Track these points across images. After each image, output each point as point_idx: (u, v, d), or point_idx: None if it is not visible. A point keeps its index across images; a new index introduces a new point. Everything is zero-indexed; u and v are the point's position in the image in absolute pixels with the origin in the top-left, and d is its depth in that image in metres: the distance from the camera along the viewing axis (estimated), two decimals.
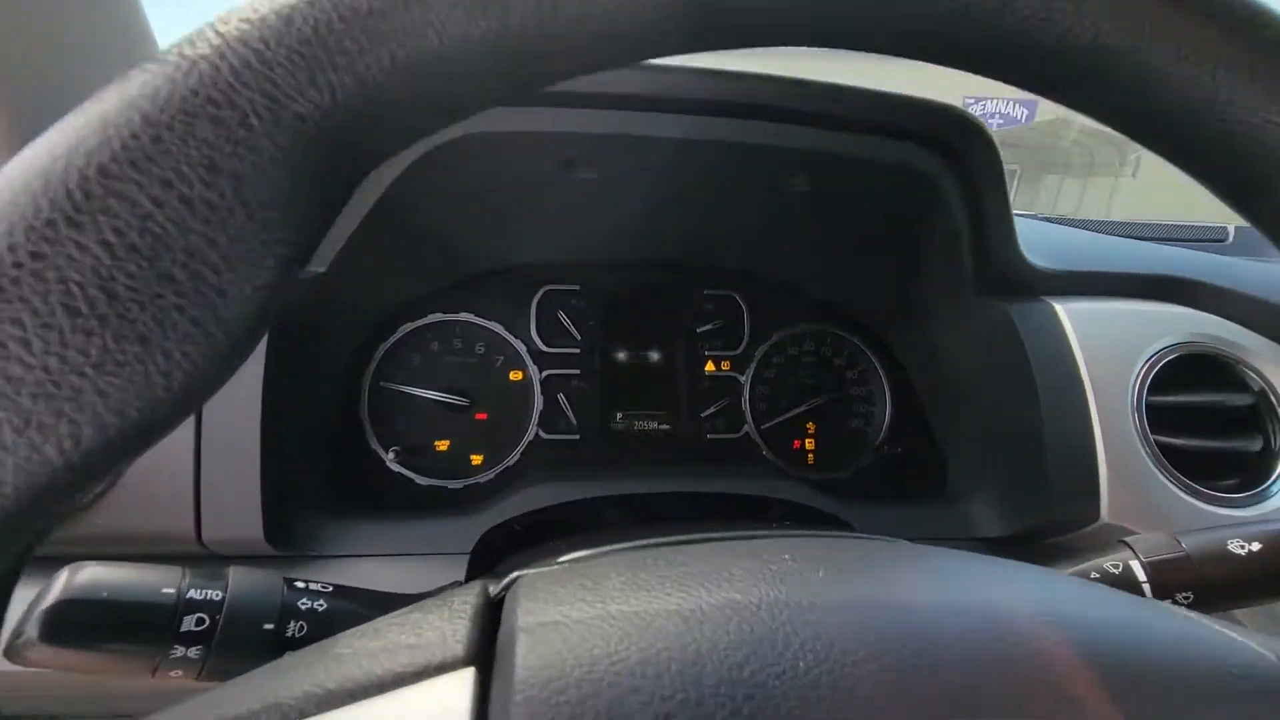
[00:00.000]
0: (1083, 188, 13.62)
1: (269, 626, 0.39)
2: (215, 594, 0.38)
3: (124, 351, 0.22)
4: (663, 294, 0.94)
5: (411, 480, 0.82)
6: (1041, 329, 0.76)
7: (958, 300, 0.81)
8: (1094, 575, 0.53)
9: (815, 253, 0.87)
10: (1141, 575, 0.52)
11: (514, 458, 0.86)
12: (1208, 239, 1.44)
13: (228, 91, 0.21)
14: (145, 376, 0.22)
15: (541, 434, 0.87)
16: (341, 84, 0.23)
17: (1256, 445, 0.78)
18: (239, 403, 0.60)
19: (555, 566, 0.33)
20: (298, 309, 0.65)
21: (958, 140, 0.63)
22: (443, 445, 0.85)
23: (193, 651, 0.37)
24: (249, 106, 0.22)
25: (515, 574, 0.34)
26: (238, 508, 0.59)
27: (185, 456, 0.58)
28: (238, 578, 0.40)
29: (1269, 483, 0.76)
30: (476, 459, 0.85)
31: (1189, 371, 0.78)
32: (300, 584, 0.42)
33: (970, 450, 0.85)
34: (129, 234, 0.21)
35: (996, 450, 0.80)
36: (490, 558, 0.69)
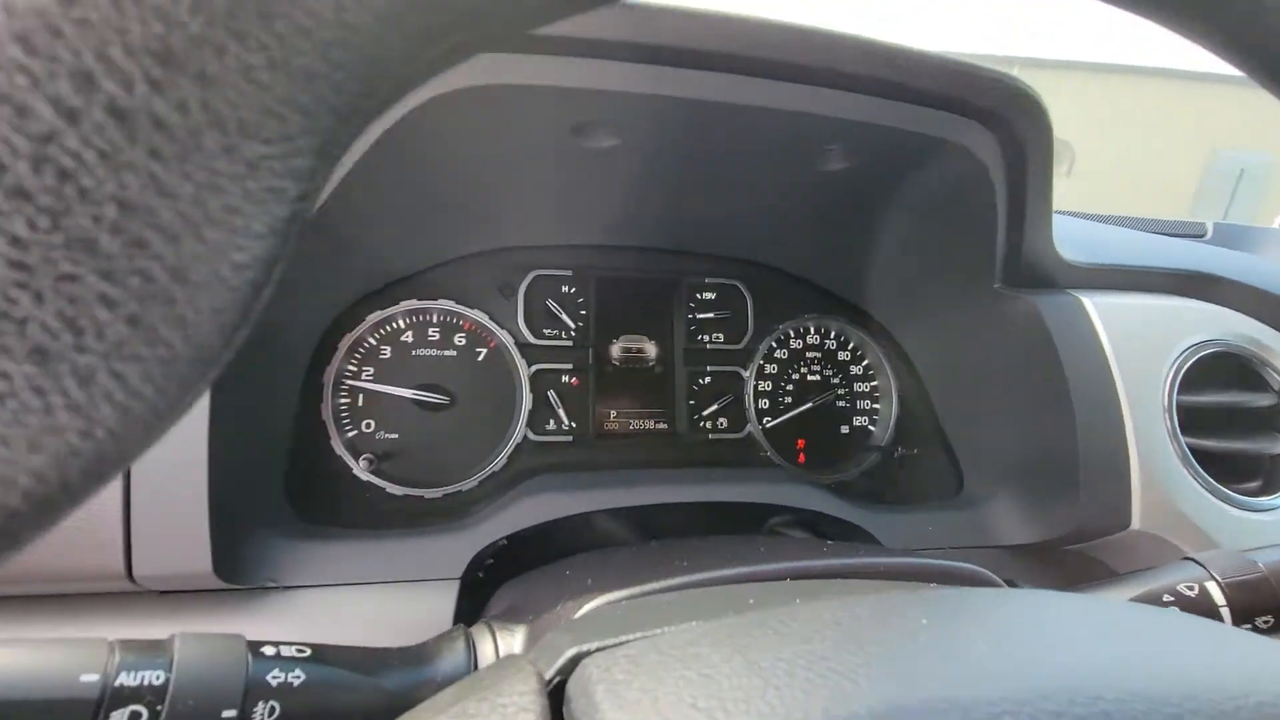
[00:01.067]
0: None
1: (230, 715, 0.29)
2: (156, 676, 0.29)
3: (5, 377, 0.13)
4: (662, 281, 0.86)
5: (383, 490, 0.72)
6: (1070, 324, 0.72)
7: (979, 291, 0.76)
8: (1167, 598, 0.49)
9: (830, 238, 0.81)
10: (1220, 598, 0.48)
11: (499, 462, 0.77)
12: (1187, 234, 1.44)
13: None
14: (45, 420, 0.14)
15: (530, 435, 0.79)
16: None
17: (1277, 447, 0.76)
18: None
19: (624, 646, 0.25)
20: None
21: (1013, 115, 0.57)
22: (419, 449, 0.75)
23: None
24: None
25: (571, 652, 0.26)
26: (178, 533, 0.49)
27: None
28: (186, 650, 0.30)
29: None
30: (457, 464, 0.76)
31: (1211, 370, 0.76)
32: (269, 649, 0.33)
33: (988, 451, 0.80)
34: (13, 166, 0.12)
35: (1019, 452, 0.75)
36: (482, 582, 0.60)
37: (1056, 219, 0.72)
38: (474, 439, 0.77)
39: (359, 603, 0.55)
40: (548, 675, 0.25)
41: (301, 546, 0.57)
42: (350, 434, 0.73)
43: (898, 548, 0.71)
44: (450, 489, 0.74)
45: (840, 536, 0.75)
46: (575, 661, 0.25)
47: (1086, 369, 0.70)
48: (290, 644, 0.34)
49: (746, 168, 0.62)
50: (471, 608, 0.57)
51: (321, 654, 0.34)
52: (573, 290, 0.82)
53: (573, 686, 0.23)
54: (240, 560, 0.52)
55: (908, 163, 0.62)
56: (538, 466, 0.78)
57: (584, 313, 0.83)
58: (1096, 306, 0.73)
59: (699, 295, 0.87)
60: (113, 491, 0.47)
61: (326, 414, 0.72)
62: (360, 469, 0.71)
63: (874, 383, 0.92)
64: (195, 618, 0.50)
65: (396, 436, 0.75)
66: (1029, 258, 0.71)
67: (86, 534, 0.47)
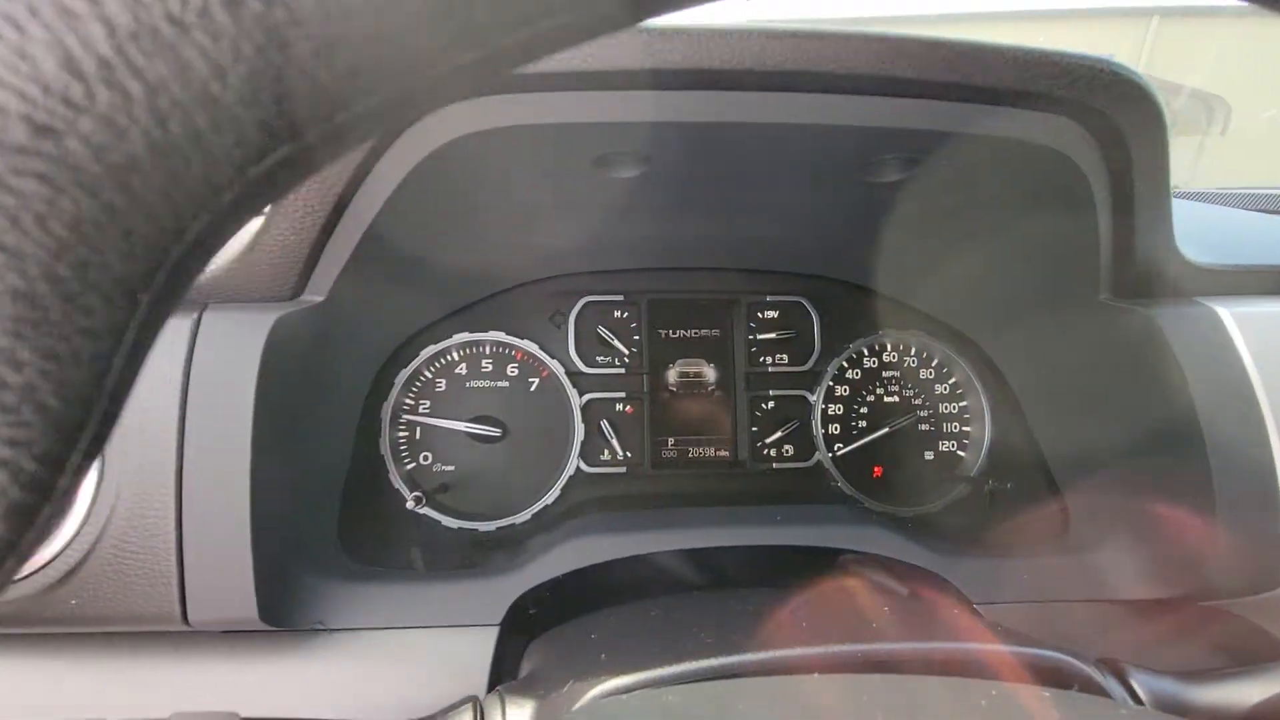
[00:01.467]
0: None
1: None
2: None
3: None
4: (719, 300, 0.82)
5: (438, 523, 0.73)
6: (1200, 339, 0.60)
7: (1084, 303, 0.66)
8: None
9: (900, 250, 0.73)
10: None
11: (552, 495, 0.75)
12: None
13: None
14: None
15: (583, 467, 0.77)
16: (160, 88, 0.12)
17: None
18: (225, 455, 0.51)
19: None
20: (294, 343, 0.56)
21: (1109, 104, 0.48)
22: (473, 482, 0.75)
23: None
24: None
25: None
26: (226, 581, 0.50)
27: (166, 522, 0.50)
28: None
29: None
30: (511, 497, 0.75)
31: None
32: None
33: (1100, 486, 0.70)
34: None
35: (1139, 488, 0.65)
36: (520, 628, 0.59)
37: (1185, 206, 0.61)
38: (527, 471, 0.76)
39: (403, 646, 0.56)
40: None
41: (350, 589, 0.58)
42: (409, 466, 0.74)
43: (987, 600, 0.62)
44: (503, 522, 0.74)
45: (920, 576, 0.67)
46: None
47: (1222, 393, 0.58)
48: None
49: (787, 185, 0.57)
50: (515, 647, 0.56)
51: None
52: (625, 315, 0.80)
53: None
54: (288, 605, 0.54)
55: (981, 166, 0.54)
56: (591, 499, 0.76)
57: (637, 338, 0.80)
58: (1235, 317, 0.61)
59: (760, 314, 0.82)
60: (167, 541, 0.49)
61: (385, 448, 0.74)
62: (412, 505, 0.72)
63: (963, 402, 0.83)
64: (246, 658, 0.52)
65: (453, 468, 0.75)
66: (1143, 263, 0.60)
67: (147, 581, 0.49)
